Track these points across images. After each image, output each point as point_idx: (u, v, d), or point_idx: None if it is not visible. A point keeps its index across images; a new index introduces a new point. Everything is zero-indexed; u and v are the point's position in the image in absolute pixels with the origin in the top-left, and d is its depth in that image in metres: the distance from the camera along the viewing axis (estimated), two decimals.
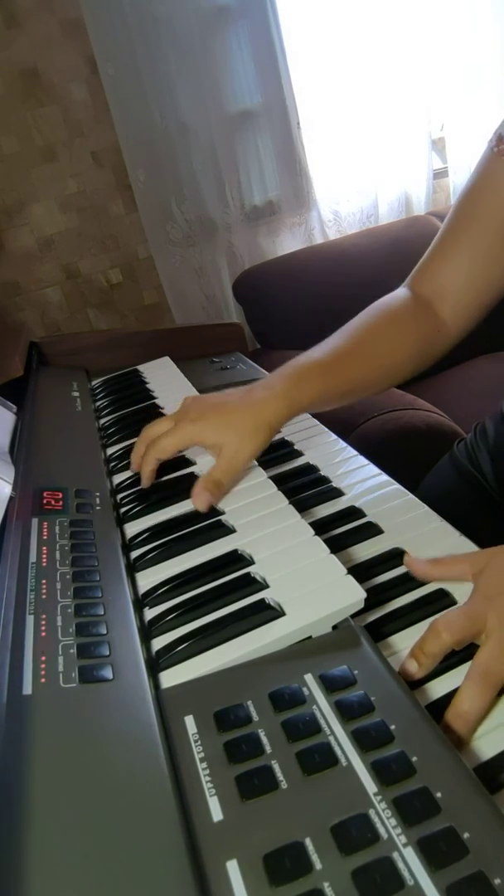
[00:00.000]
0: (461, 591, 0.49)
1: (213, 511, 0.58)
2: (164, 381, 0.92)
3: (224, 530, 0.55)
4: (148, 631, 0.46)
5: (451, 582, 0.50)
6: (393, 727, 0.35)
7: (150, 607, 0.48)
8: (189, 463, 0.67)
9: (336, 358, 0.65)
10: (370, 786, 0.32)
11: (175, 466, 0.66)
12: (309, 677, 0.39)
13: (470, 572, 0.47)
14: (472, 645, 0.44)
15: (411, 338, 0.70)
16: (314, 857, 0.29)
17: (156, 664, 0.42)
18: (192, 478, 0.64)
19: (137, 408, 0.84)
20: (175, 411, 0.64)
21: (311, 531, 0.53)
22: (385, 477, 0.66)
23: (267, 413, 0.60)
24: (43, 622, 0.42)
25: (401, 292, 0.75)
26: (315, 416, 0.79)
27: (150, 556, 0.54)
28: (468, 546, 0.54)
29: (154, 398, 0.86)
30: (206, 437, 0.60)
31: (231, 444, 0.59)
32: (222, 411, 0.60)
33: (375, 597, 0.50)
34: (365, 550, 0.56)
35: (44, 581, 0.46)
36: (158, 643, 0.44)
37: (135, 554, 0.55)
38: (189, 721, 0.37)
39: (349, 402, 0.69)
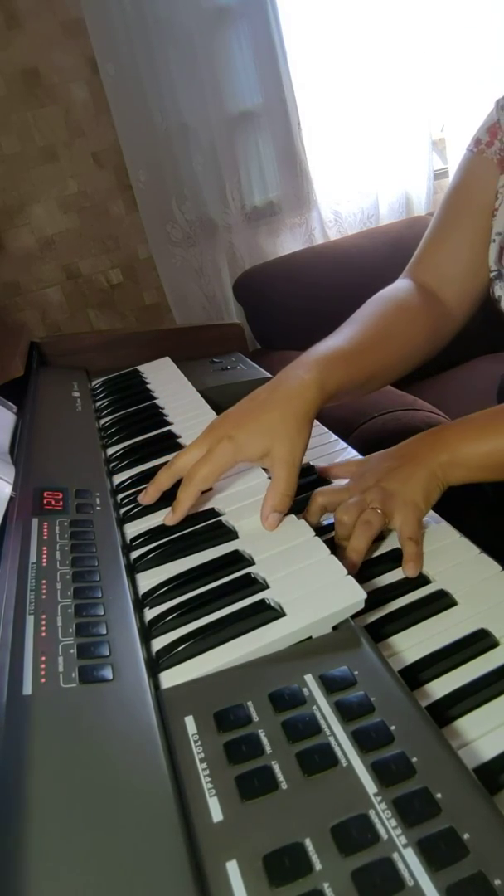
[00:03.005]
0: (461, 592, 0.50)
1: (214, 512, 0.58)
2: (165, 381, 0.92)
3: (224, 531, 0.55)
4: (148, 631, 0.46)
5: (450, 583, 0.50)
6: (393, 728, 0.35)
7: (151, 608, 0.48)
8: None
9: (356, 347, 0.64)
10: (370, 786, 0.32)
11: None
12: (309, 678, 0.39)
13: (357, 472, 0.61)
14: (469, 644, 0.44)
15: (423, 325, 0.73)
16: (314, 858, 0.29)
17: (156, 664, 0.42)
18: None
19: (137, 408, 0.84)
20: (200, 434, 0.58)
21: (312, 532, 0.53)
22: None
23: (304, 404, 0.57)
24: (43, 622, 0.42)
25: (404, 283, 0.77)
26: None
27: (151, 556, 0.54)
28: (468, 546, 0.55)
29: (154, 398, 0.86)
30: (252, 450, 0.55)
31: (282, 448, 0.55)
32: (257, 417, 0.56)
33: (375, 597, 0.50)
34: None
35: (44, 581, 0.46)
36: (158, 643, 0.44)
37: (135, 554, 0.55)
38: (189, 721, 0.37)
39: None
